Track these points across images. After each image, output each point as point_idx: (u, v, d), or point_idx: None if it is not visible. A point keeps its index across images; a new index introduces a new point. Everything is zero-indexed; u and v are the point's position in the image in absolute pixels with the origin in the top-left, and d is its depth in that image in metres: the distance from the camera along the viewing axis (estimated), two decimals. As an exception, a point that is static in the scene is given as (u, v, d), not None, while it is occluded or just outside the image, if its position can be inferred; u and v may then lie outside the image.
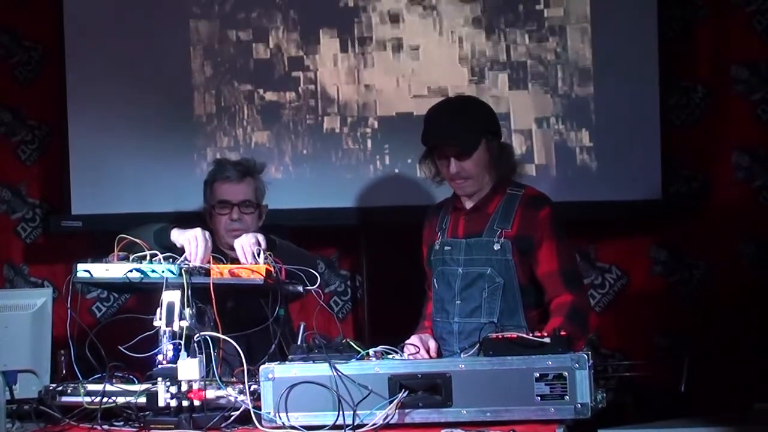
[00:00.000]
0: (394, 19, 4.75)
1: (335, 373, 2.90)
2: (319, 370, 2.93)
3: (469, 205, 3.66)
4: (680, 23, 4.65)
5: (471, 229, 3.62)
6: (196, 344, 3.05)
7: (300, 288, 3.31)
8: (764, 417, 3.86)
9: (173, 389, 3.04)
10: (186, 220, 3.82)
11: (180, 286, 3.13)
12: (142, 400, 3.08)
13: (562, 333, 2.94)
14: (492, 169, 3.63)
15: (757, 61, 4.61)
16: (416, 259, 3.83)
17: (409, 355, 3.32)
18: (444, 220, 3.71)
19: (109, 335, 3.25)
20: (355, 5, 4.76)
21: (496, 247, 3.56)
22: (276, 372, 2.95)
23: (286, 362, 3.00)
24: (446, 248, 3.65)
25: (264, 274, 3.19)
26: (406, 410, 2.89)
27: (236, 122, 4.84)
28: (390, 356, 3.06)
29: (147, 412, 3.06)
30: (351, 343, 3.04)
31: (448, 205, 3.75)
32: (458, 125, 3.58)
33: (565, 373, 2.82)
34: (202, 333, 3.07)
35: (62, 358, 3.26)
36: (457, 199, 3.70)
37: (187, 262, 3.27)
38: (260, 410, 2.94)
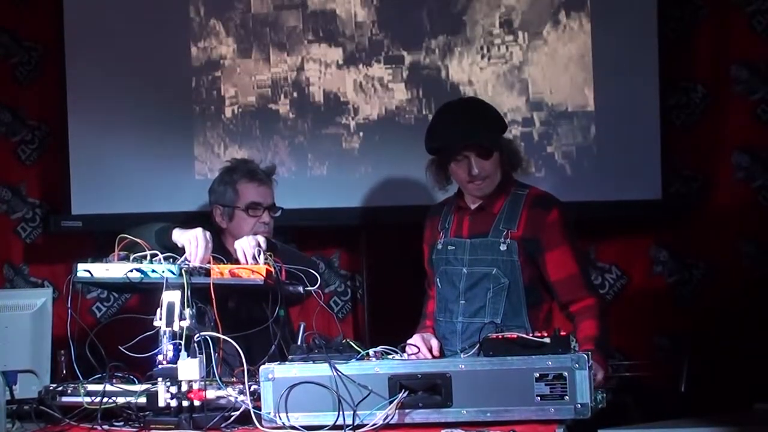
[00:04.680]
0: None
1: (335, 374, 2.90)
2: (319, 370, 2.92)
3: (473, 204, 3.64)
4: (680, 23, 4.65)
5: (476, 229, 3.60)
6: (196, 344, 3.04)
7: (300, 288, 3.31)
8: (764, 417, 3.85)
9: (173, 389, 3.03)
10: (192, 221, 3.80)
11: (180, 286, 3.13)
12: (142, 400, 3.07)
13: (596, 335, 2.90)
14: (501, 168, 3.62)
15: (757, 61, 4.61)
16: (416, 259, 3.82)
17: (409, 354, 3.32)
18: (447, 219, 3.69)
19: (109, 335, 3.25)
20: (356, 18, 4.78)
21: (503, 247, 3.54)
22: (276, 372, 2.94)
23: (286, 362, 3.00)
24: (450, 248, 3.63)
25: (264, 275, 3.19)
26: (406, 410, 2.88)
27: (236, 122, 4.84)
28: (390, 356, 3.06)
29: (147, 412, 3.05)
30: (351, 343, 3.03)
31: (450, 205, 3.72)
32: (478, 125, 3.55)
33: (565, 373, 2.82)
34: (202, 333, 3.07)
35: (62, 358, 3.25)
36: (460, 199, 3.68)
37: (187, 262, 3.26)
38: (260, 410, 2.94)
